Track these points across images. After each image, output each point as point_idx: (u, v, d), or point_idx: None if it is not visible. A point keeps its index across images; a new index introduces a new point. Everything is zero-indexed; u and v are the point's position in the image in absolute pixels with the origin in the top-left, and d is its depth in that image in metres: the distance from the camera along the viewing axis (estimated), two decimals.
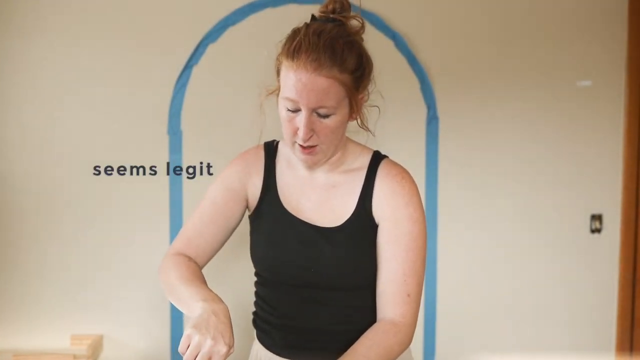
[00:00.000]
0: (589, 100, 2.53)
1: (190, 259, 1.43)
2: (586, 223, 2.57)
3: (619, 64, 2.54)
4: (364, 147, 1.45)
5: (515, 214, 2.53)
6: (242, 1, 2.36)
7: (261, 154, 1.48)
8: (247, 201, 1.47)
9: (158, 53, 2.34)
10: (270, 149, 1.48)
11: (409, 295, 1.35)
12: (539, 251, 2.55)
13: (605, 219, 2.57)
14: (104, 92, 2.33)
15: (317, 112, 1.29)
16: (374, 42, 2.43)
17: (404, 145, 2.44)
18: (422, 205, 1.40)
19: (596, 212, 2.57)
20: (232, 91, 2.37)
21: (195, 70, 2.36)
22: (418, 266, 1.36)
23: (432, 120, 2.47)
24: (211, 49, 2.36)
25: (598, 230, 2.57)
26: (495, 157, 2.52)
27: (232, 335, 1.18)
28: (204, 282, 1.35)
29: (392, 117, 2.43)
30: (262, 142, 1.51)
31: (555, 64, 2.51)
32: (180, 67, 2.35)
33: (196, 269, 1.40)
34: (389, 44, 2.42)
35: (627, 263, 2.59)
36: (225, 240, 1.49)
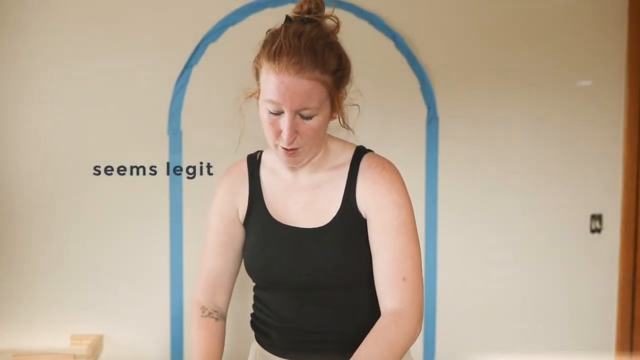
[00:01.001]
0: (589, 100, 2.53)
1: (205, 310, 1.47)
2: (586, 223, 2.57)
3: (619, 64, 2.54)
4: (346, 143, 1.45)
5: (515, 214, 2.53)
6: (242, 1, 2.36)
7: (244, 168, 1.48)
8: (239, 217, 1.48)
9: (158, 53, 2.34)
10: (253, 160, 1.49)
11: (404, 279, 1.32)
12: (539, 251, 2.55)
13: (605, 219, 2.57)
14: (104, 92, 2.33)
15: (300, 114, 1.29)
16: (374, 42, 2.45)
17: (404, 144, 2.45)
18: (406, 191, 1.38)
19: (596, 212, 2.57)
20: (232, 91, 2.36)
21: (195, 70, 2.36)
22: (411, 250, 1.34)
23: (432, 120, 2.47)
24: (211, 49, 2.36)
25: (598, 230, 2.57)
26: (495, 157, 2.52)
27: None
28: (209, 355, 1.40)
29: (392, 117, 2.43)
30: (246, 155, 1.51)
31: (555, 64, 2.51)
32: (180, 67, 2.35)
33: (209, 334, 1.44)
34: (389, 44, 2.42)
35: (627, 263, 2.59)
36: (240, 263, 1.51)
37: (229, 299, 1.52)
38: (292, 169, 1.41)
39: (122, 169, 2.35)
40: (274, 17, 2.35)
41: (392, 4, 2.42)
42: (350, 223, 1.37)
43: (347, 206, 1.37)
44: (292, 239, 1.39)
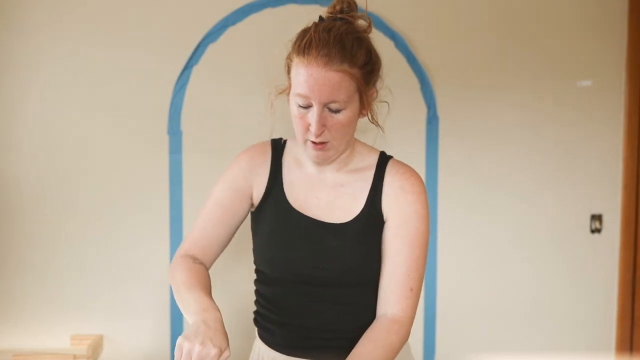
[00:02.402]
0: (589, 100, 2.53)
1: (196, 259, 1.44)
2: (586, 223, 2.57)
3: (619, 64, 2.54)
4: (371, 147, 1.48)
5: (515, 214, 2.53)
6: (242, 1, 2.36)
7: (268, 150, 1.47)
8: (252, 198, 1.47)
9: (158, 53, 2.34)
10: (278, 146, 1.48)
11: (411, 290, 1.37)
12: (539, 251, 2.55)
13: (605, 219, 2.57)
14: (104, 92, 2.33)
15: (328, 107, 1.30)
16: (374, 42, 2.44)
17: (404, 145, 2.45)
18: (427, 203, 1.42)
19: (596, 212, 2.57)
20: (232, 91, 2.37)
21: (195, 70, 2.36)
22: (421, 262, 1.39)
23: (432, 120, 2.47)
24: (211, 49, 2.36)
25: (598, 230, 2.57)
26: (495, 157, 2.52)
27: (225, 339, 1.22)
28: (205, 287, 1.36)
29: (392, 117, 2.42)
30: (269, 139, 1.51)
31: (555, 64, 2.51)
32: (180, 67, 2.35)
33: (200, 271, 1.41)
34: (389, 44, 2.42)
35: (627, 263, 2.59)
36: (231, 237, 1.50)
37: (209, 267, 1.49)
38: (319, 164, 1.41)
39: (122, 168, 2.35)
40: (274, 17, 2.38)
41: (392, 4, 2.42)
42: (371, 223, 1.39)
43: (371, 206, 1.39)
44: (311, 230, 1.39)
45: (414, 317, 1.38)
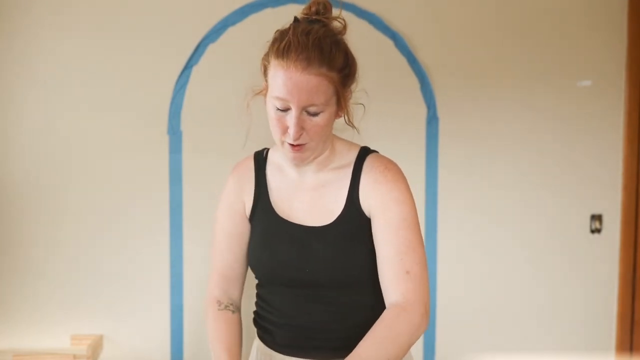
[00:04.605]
0: (589, 100, 2.53)
1: (221, 303, 1.50)
2: (586, 223, 2.57)
3: (619, 64, 2.54)
4: (352, 143, 1.47)
5: (515, 215, 2.53)
6: (242, 1, 2.36)
7: (251, 164, 1.51)
8: (245, 211, 1.50)
9: (158, 53, 2.34)
10: (260, 158, 1.51)
11: (407, 272, 1.33)
12: (539, 251, 2.55)
13: (605, 219, 2.57)
14: (104, 92, 2.33)
15: (306, 111, 1.31)
16: (374, 42, 2.45)
17: (404, 145, 2.45)
18: (409, 189, 1.39)
19: (596, 212, 2.57)
20: (232, 91, 2.37)
21: (195, 70, 2.36)
22: (414, 244, 1.35)
23: (432, 120, 2.47)
24: (211, 49, 2.36)
25: (598, 230, 2.57)
26: (494, 158, 2.52)
27: None
28: (226, 343, 1.43)
29: (392, 117, 2.43)
30: (252, 152, 1.54)
31: (555, 64, 2.51)
32: (180, 67, 2.35)
33: (227, 327, 1.47)
34: (389, 44, 2.42)
35: (627, 263, 2.59)
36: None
37: (242, 291, 1.54)
38: (298, 167, 1.42)
39: (122, 168, 2.35)
40: (274, 17, 2.38)
41: (392, 4, 2.42)
42: (354, 222, 1.38)
43: (351, 205, 1.39)
44: (296, 236, 1.40)
45: (422, 299, 1.32)
